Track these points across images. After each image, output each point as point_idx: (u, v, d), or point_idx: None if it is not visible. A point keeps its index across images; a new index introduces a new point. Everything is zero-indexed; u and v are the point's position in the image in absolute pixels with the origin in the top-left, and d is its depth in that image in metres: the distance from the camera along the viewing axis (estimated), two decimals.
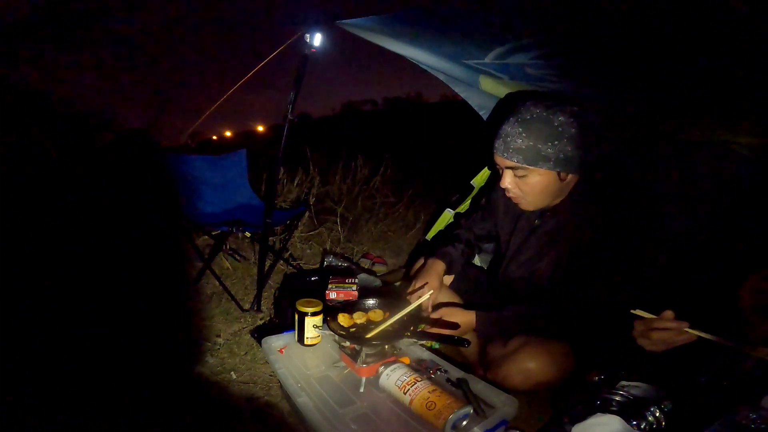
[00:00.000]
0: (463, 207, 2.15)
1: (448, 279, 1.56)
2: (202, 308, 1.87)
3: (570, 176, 1.22)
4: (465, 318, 1.34)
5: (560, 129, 1.15)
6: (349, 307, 1.39)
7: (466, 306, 1.52)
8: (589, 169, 1.23)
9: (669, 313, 1.00)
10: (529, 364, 1.19)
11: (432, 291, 1.47)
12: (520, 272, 1.40)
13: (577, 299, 1.26)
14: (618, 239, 1.21)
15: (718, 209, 1.48)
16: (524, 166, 1.19)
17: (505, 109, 1.29)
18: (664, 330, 1.00)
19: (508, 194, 1.30)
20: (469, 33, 1.33)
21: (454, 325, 1.37)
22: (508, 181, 1.25)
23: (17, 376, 1.33)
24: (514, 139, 1.18)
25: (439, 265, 1.47)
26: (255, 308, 1.87)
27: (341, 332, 1.26)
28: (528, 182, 1.22)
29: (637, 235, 1.21)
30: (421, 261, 1.72)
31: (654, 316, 1.02)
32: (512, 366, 1.21)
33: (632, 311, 1.05)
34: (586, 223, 1.24)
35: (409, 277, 1.79)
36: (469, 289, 1.59)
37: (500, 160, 1.25)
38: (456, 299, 1.55)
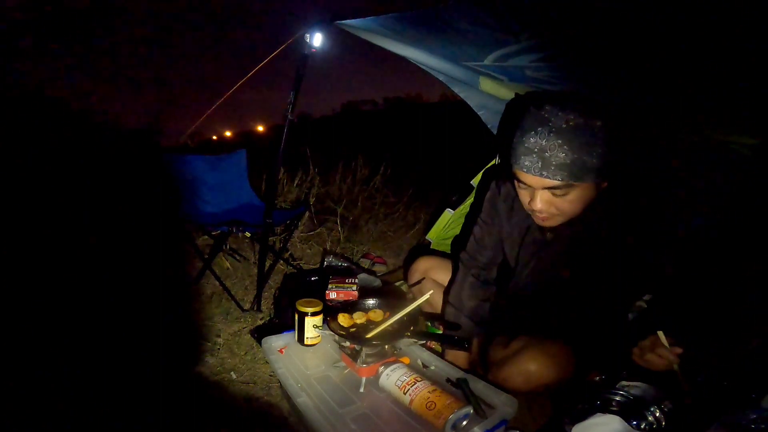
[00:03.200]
0: (464, 207, 2.15)
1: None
2: (202, 308, 1.87)
3: (605, 184, 1.09)
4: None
5: (600, 135, 0.99)
6: (349, 307, 1.39)
7: None
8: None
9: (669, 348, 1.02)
10: (530, 366, 1.18)
11: (432, 291, 1.48)
12: (533, 285, 1.32)
13: (588, 308, 1.25)
14: (633, 245, 1.13)
15: (718, 210, 1.49)
16: (571, 182, 1.02)
17: (518, 117, 1.11)
18: (660, 357, 1.02)
19: (538, 214, 1.11)
20: (468, 35, 1.33)
21: (455, 325, 1.37)
22: (544, 200, 1.07)
23: (17, 376, 1.33)
24: (555, 153, 0.99)
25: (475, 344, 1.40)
26: (255, 308, 1.87)
27: (341, 332, 1.26)
28: (568, 199, 1.05)
29: (650, 239, 1.15)
30: (420, 263, 1.72)
31: (667, 344, 1.03)
32: (513, 368, 1.20)
33: (658, 332, 1.05)
34: (601, 231, 1.15)
35: (408, 281, 1.79)
36: None
37: (536, 181, 1.05)
38: None
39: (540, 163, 1.01)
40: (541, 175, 1.02)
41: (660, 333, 1.03)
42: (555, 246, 1.23)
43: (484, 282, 1.43)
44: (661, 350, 1.02)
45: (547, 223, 1.14)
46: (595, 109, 1.01)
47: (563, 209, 1.08)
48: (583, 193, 1.05)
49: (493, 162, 2.00)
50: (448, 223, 2.20)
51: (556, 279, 1.26)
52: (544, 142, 1.00)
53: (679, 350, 1.00)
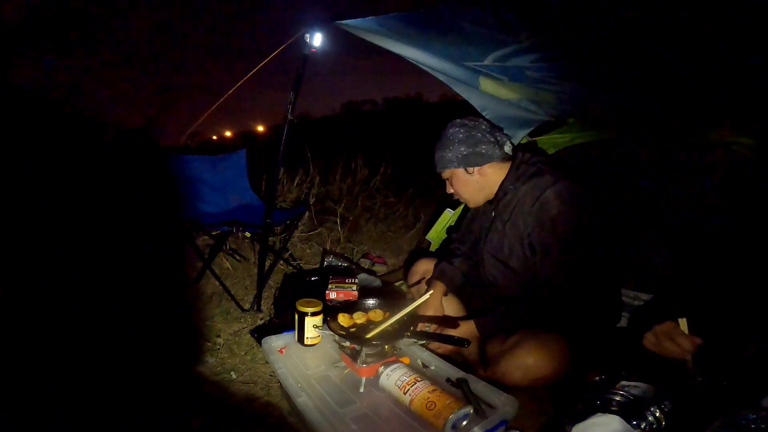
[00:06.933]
0: (462, 208, 2.15)
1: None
2: (202, 308, 1.87)
3: (477, 169, 1.45)
4: (465, 328, 1.38)
5: (450, 137, 1.46)
6: (349, 307, 1.39)
7: (469, 312, 1.56)
8: (506, 162, 1.47)
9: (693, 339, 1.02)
10: (528, 359, 1.20)
11: (432, 292, 1.48)
12: (490, 260, 1.54)
13: (545, 289, 1.34)
14: (541, 221, 1.34)
15: (718, 210, 1.49)
16: (441, 170, 1.51)
17: None
18: (676, 345, 1.01)
19: (454, 197, 1.57)
20: (468, 35, 1.33)
21: (454, 324, 1.38)
22: (447, 186, 1.54)
23: (17, 376, 1.33)
24: (435, 153, 1.51)
25: (439, 288, 1.56)
26: (255, 308, 1.87)
27: (341, 332, 1.26)
28: (454, 182, 1.51)
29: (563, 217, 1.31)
30: (420, 264, 1.73)
31: (687, 332, 1.02)
32: (511, 362, 1.22)
33: (678, 319, 1.04)
34: (517, 206, 1.42)
35: (407, 282, 1.81)
36: (469, 290, 1.62)
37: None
38: (459, 307, 1.59)
39: (434, 160, 1.52)
40: (435, 167, 1.52)
41: (682, 321, 1.03)
42: (497, 222, 1.51)
43: (462, 254, 1.67)
44: (681, 338, 1.01)
45: (468, 204, 1.58)
46: (459, 120, 1.47)
47: (458, 191, 1.52)
48: (457, 178, 1.49)
49: None
50: (447, 223, 2.20)
51: (501, 252, 1.48)
52: (435, 146, 1.51)
53: (699, 341, 1.00)
